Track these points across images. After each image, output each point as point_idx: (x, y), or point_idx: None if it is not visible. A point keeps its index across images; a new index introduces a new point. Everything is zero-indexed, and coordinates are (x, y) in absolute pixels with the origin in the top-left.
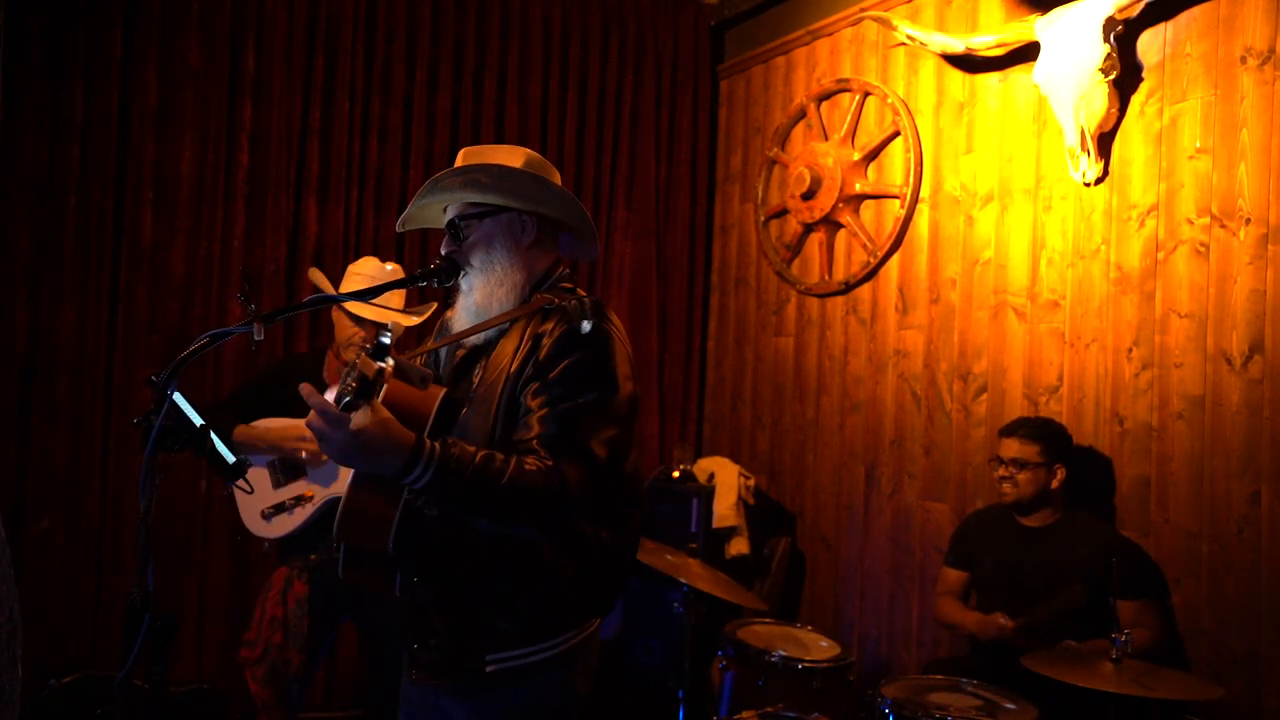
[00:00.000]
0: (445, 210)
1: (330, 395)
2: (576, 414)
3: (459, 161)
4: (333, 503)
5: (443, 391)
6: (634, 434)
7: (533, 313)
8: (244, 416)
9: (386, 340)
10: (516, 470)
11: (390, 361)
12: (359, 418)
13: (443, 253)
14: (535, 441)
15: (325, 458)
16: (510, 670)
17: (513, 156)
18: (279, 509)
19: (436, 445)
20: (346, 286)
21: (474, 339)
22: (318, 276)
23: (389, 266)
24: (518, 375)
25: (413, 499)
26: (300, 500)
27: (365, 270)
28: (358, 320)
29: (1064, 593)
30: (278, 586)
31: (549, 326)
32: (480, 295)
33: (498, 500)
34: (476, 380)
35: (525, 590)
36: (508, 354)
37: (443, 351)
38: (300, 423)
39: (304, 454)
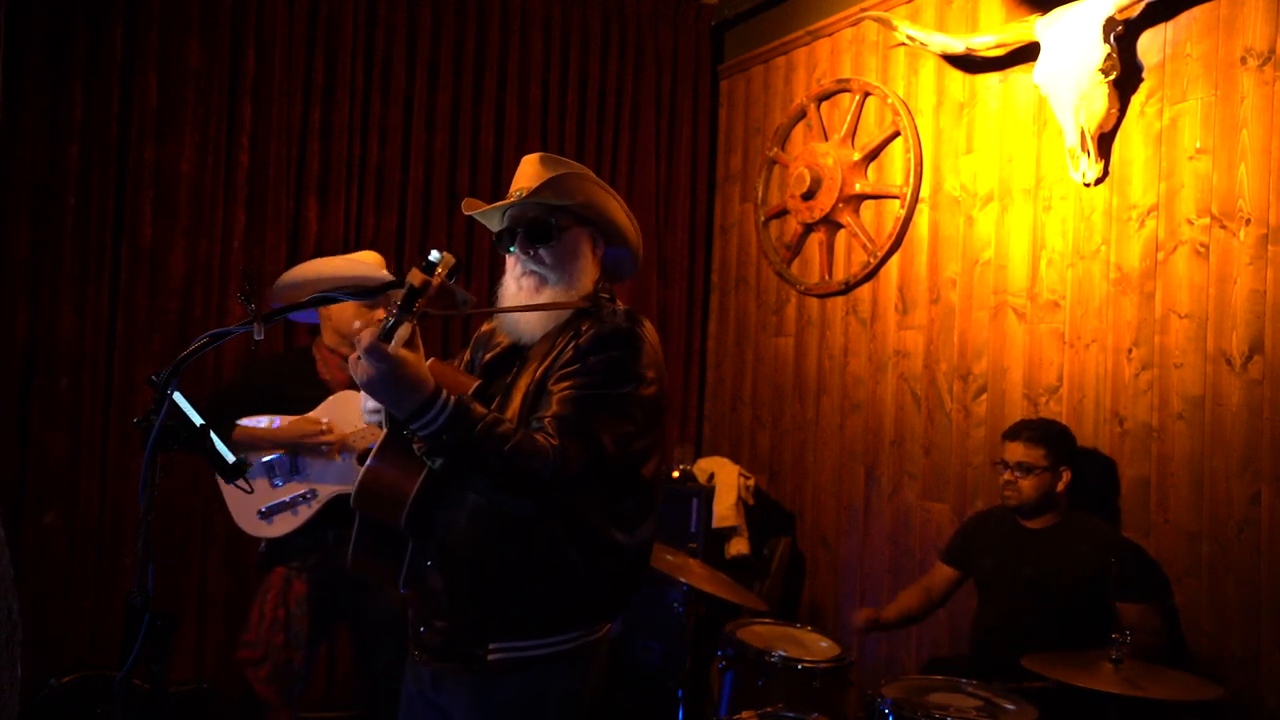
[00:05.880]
0: None
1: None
2: (594, 402)
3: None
4: (336, 499)
5: (476, 382)
6: (660, 440)
7: (570, 318)
8: (229, 418)
9: (436, 257)
10: (522, 439)
11: (438, 275)
12: (403, 333)
13: None
14: (548, 419)
15: (338, 454)
16: (513, 661)
17: (539, 167)
18: (280, 507)
19: (453, 397)
20: (352, 271)
21: (512, 339)
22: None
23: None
24: (548, 369)
25: (419, 446)
26: (305, 498)
27: (368, 259)
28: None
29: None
30: (277, 587)
31: (584, 328)
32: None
33: (497, 463)
34: (511, 375)
35: (535, 579)
36: (541, 353)
37: (478, 356)
38: (308, 416)
39: (323, 446)
